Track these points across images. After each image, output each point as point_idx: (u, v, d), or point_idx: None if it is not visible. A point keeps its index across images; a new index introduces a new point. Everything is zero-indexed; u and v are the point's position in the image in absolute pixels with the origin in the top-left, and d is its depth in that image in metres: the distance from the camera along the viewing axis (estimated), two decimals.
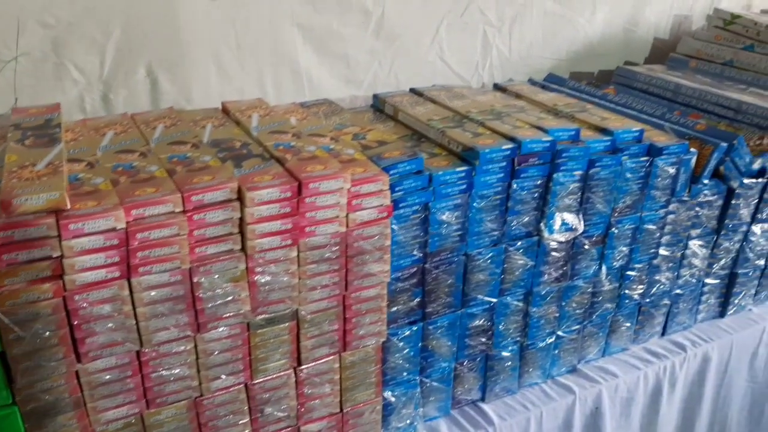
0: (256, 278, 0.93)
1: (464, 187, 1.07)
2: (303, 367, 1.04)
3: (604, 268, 1.28)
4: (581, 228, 1.20)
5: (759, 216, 1.44)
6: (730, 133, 1.36)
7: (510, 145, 1.08)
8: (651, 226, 1.30)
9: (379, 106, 1.37)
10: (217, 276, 0.90)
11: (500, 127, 1.16)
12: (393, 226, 1.03)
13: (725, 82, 1.74)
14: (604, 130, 1.22)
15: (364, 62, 1.70)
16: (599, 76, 2.05)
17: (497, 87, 1.54)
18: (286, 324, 0.99)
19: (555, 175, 1.13)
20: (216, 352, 0.96)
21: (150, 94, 1.49)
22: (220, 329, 0.94)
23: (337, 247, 0.97)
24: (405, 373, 1.16)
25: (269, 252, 0.92)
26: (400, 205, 1.02)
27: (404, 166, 1.03)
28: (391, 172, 1.01)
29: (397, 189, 1.01)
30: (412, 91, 1.45)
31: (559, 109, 1.33)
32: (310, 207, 0.93)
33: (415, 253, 1.07)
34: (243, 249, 0.91)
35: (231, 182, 0.89)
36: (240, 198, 0.89)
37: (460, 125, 1.18)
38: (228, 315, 0.94)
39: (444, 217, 1.07)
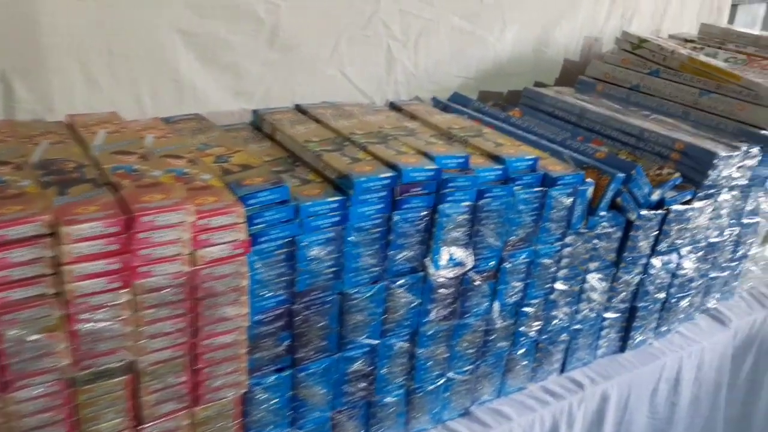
0: (77, 327, 0.79)
1: (338, 219, 0.96)
2: (144, 426, 0.90)
3: (497, 304, 1.20)
4: (471, 263, 1.11)
5: (658, 248, 1.39)
6: (629, 162, 1.30)
7: (389, 174, 0.98)
8: (546, 260, 1.22)
9: (257, 124, 1.25)
10: (25, 326, 0.76)
11: (383, 153, 1.05)
12: (253, 264, 0.90)
13: (630, 108, 1.70)
14: (496, 158, 1.13)
15: (257, 74, 1.57)
16: (509, 96, 1.99)
17: (393, 106, 1.44)
18: (120, 378, 0.85)
19: (441, 206, 1.03)
20: (30, 414, 0.81)
21: (3, 102, 1.32)
22: (33, 387, 0.79)
23: (181, 289, 0.84)
24: (272, 427, 1.03)
25: (94, 296, 0.78)
26: (261, 239, 0.90)
27: (266, 195, 0.90)
28: (250, 201, 0.89)
29: (256, 221, 0.89)
30: (297, 108, 1.33)
31: (454, 132, 1.24)
32: (144, 243, 0.79)
33: (280, 293, 0.95)
34: (60, 293, 0.77)
35: (44, 214, 0.75)
36: (56, 233, 0.75)
37: (340, 149, 1.07)
38: (42, 370, 0.79)
39: (314, 253, 0.96)
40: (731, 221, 1.55)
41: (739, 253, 1.64)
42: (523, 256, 1.18)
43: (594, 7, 2.06)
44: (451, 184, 1.03)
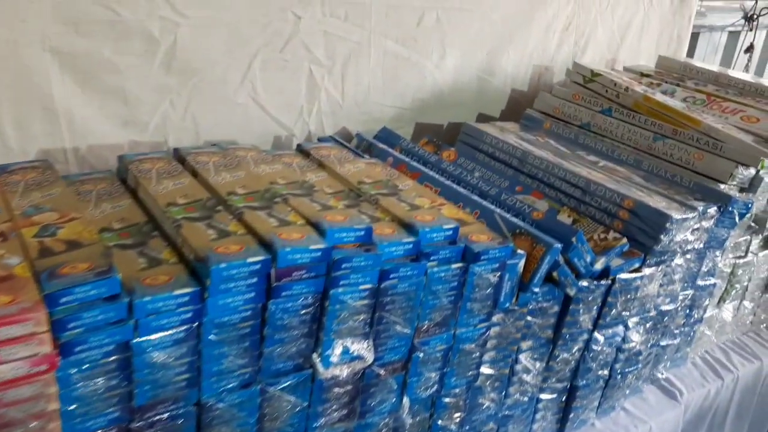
0: None
1: (190, 315, 0.75)
2: None
3: (406, 399, 1.00)
4: (371, 356, 0.91)
5: (602, 321, 1.21)
6: (569, 227, 1.12)
7: (259, 258, 0.77)
8: (469, 345, 1.03)
9: (123, 174, 1.03)
10: None
11: (261, 224, 0.84)
12: (69, 379, 0.69)
13: (578, 151, 1.53)
14: (409, 227, 0.93)
15: (150, 100, 1.35)
16: (449, 129, 1.81)
17: (300, 149, 1.24)
18: None
19: (333, 292, 0.83)
20: None
21: None
22: None
23: None
24: None
25: None
26: (79, 348, 0.69)
27: (86, 290, 0.69)
28: (63, 299, 0.67)
29: (71, 326, 0.67)
30: (176, 153, 1.11)
31: (364, 189, 1.04)
32: None
33: (111, 410, 0.74)
34: None
35: None
36: None
37: (208, 216, 0.86)
38: None
39: (159, 359, 0.74)
40: (685, 285, 1.38)
41: (693, 318, 1.48)
42: (440, 342, 0.98)
43: (544, 34, 1.88)
44: (345, 265, 0.83)
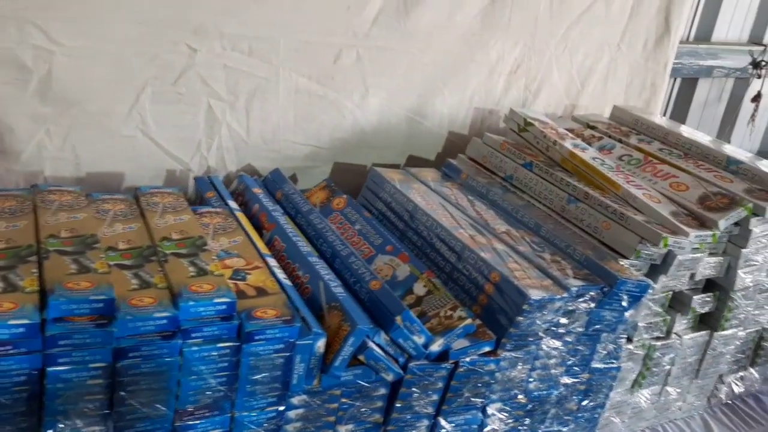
0: None
1: None
2: None
3: None
4: None
5: (447, 407, 1.09)
6: (397, 304, 1.01)
7: None
8: (257, 428, 0.93)
9: None
10: None
11: None
12: None
13: (483, 208, 1.41)
14: (176, 297, 0.85)
15: (23, 129, 1.32)
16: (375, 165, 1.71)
17: (135, 194, 1.18)
18: None
19: (50, 370, 0.76)
20: None
21: None
22: None
23: None
24: None
25: None
26: None
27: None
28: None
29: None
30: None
31: (165, 246, 0.97)
32: None
33: None
34: None
35: None
36: None
37: None
38: None
39: None
40: (574, 369, 1.24)
41: (593, 403, 1.32)
42: (212, 426, 0.89)
43: (488, 77, 1.76)
44: (63, 342, 0.75)
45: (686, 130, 1.65)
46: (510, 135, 1.68)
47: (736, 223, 1.32)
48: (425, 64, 1.67)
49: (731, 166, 1.46)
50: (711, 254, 1.33)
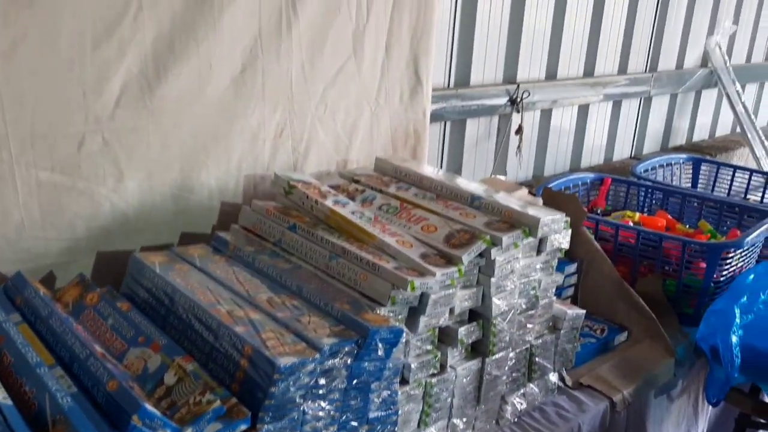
0: None
1: None
2: None
3: None
4: None
5: None
6: (133, 402, 0.96)
7: None
8: None
9: None
10: None
11: None
12: None
13: (248, 278, 1.40)
14: None
15: None
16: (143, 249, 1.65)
17: None
18: None
19: None
20: None
21: None
22: None
23: None
24: None
25: None
26: None
27: None
28: None
29: None
30: None
31: None
32: None
33: None
34: None
35: None
36: None
37: None
38: None
39: None
40: (352, 423, 1.25)
41: None
42: None
43: (252, 144, 1.79)
44: None
45: (435, 173, 1.77)
46: (279, 199, 1.70)
47: (481, 255, 1.43)
48: (182, 139, 1.66)
49: (475, 201, 1.59)
50: (465, 287, 1.42)
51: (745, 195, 3.05)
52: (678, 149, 3.79)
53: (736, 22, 3.91)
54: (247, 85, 1.73)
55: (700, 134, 4.08)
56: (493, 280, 1.44)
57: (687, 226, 2.52)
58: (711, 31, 3.80)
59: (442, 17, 2.39)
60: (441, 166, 2.68)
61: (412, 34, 2.06)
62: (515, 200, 1.61)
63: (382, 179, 1.78)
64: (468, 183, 1.72)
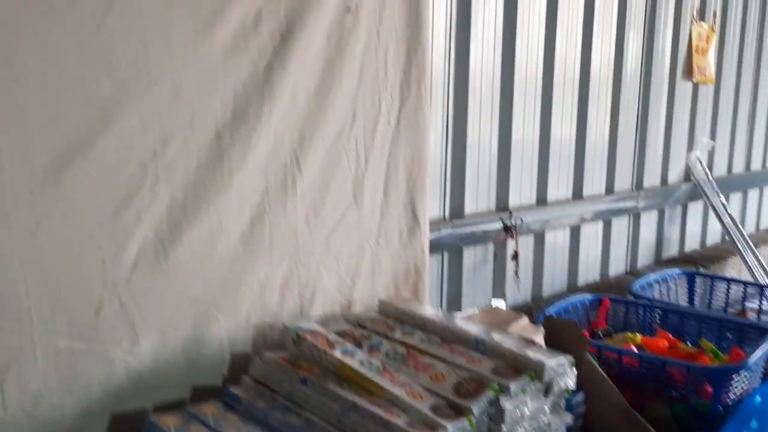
0: None
1: None
2: None
3: None
4: None
5: None
6: None
7: None
8: None
9: None
10: None
11: None
12: None
13: None
14: None
15: None
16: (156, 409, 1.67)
17: None
18: None
19: None
20: None
21: None
22: None
23: None
24: None
25: None
26: None
27: None
28: None
29: None
30: None
31: None
32: None
33: None
34: None
35: None
36: None
37: None
38: None
39: None
40: None
41: None
42: None
43: (260, 294, 1.85)
44: None
45: (439, 314, 1.83)
46: (289, 349, 1.74)
47: (490, 403, 1.46)
48: (194, 296, 1.72)
49: (479, 345, 1.63)
50: None
51: (743, 305, 3.10)
52: (671, 261, 3.87)
53: (713, 137, 4.12)
54: (255, 239, 1.82)
55: (691, 244, 4.18)
56: (504, 427, 1.46)
57: (689, 344, 2.55)
58: (690, 147, 3.99)
59: (434, 151, 2.53)
60: (442, 296, 2.73)
61: (408, 177, 2.18)
62: (518, 340, 1.66)
63: (387, 323, 1.83)
64: (470, 323, 1.77)
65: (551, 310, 2.51)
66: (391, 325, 1.80)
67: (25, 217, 1.43)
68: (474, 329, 1.71)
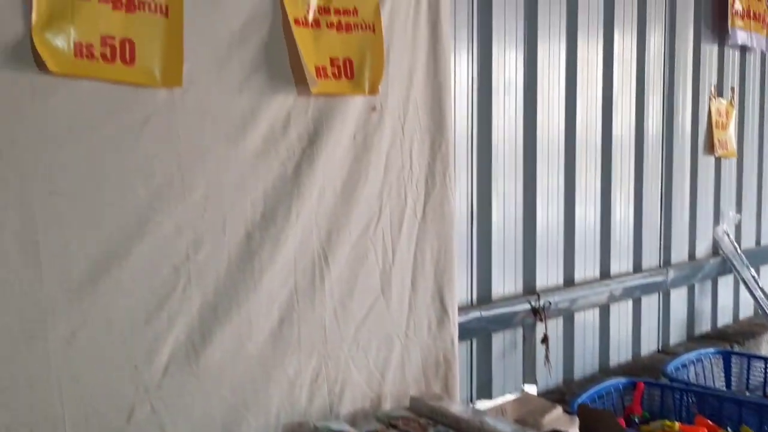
0: None
1: None
2: None
3: None
4: None
5: None
6: None
7: None
8: None
9: None
10: None
11: None
12: None
13: None
14: None
15: None
16: None
17: None
18: None
19: None
20: None
21: None
22: None
23: None
24: None
25: None
26: None
27: None
28: None
29: None
30: None
31: None
32: None
33: None
34: None
35: None
36: None
37: None
38: None
39: None
40: None
41: None
42: None
43: (289, 392, 1.84)
44: None
45: (469, 412, 1.79)
46: None
47: None
48: (223, 396, 1.71)
49: None
50: None
51: None
52: (704, 338, 3.78)
53: (739, 210, 4.08)
54: (284, 336, 1.83)
55: (724, 319, 4.08)
56: None
57: (729, 430, 2.47)
58: (717, 220, 3.96)
59: (459, 236, 2.53)
60: (471, 383, 2.68)
61: (435, 268, 2.18)
62: None
63: (420, 422, 1.80)
64: (502, 422, 1.73)
65: (585, 398, 2.46)
66: (423, 425, 1.77)
67: (61, 327, 1.45)
68: (506, 429, 1.67)
